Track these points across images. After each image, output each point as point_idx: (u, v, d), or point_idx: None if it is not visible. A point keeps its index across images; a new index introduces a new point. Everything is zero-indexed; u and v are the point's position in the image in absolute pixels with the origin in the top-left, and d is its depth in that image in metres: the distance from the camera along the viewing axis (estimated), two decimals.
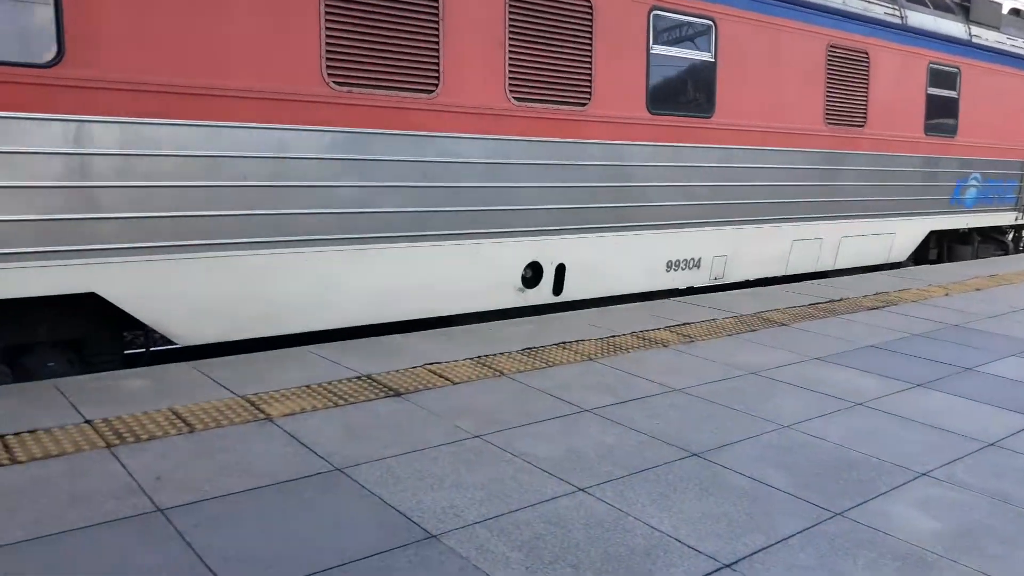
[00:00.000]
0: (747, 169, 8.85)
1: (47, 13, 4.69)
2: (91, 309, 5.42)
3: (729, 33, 8.44)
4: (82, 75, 4.83)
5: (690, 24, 8.11)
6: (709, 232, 8.69)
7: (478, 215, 6.77)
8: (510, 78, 6.74)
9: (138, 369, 5.19)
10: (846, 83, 9.81)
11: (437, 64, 6.31)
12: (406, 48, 6.13)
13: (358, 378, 5.13)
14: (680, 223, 8.37)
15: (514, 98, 6.78)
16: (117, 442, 3.91)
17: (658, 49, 7.84)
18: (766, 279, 10.18)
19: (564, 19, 7.07)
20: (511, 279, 7.16)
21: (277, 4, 5.50)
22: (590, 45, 7.27)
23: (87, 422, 4.17)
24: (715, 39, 8.33)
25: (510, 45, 6.71)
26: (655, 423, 4.51)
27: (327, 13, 5.70)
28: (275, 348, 6.10)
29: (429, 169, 6.39)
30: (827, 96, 9.58)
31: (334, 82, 5.80)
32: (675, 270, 8.50)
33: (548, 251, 7.35)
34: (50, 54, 4.72)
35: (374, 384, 5.00)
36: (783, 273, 9.83)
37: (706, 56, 8.29)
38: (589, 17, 7.24)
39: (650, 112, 7.81)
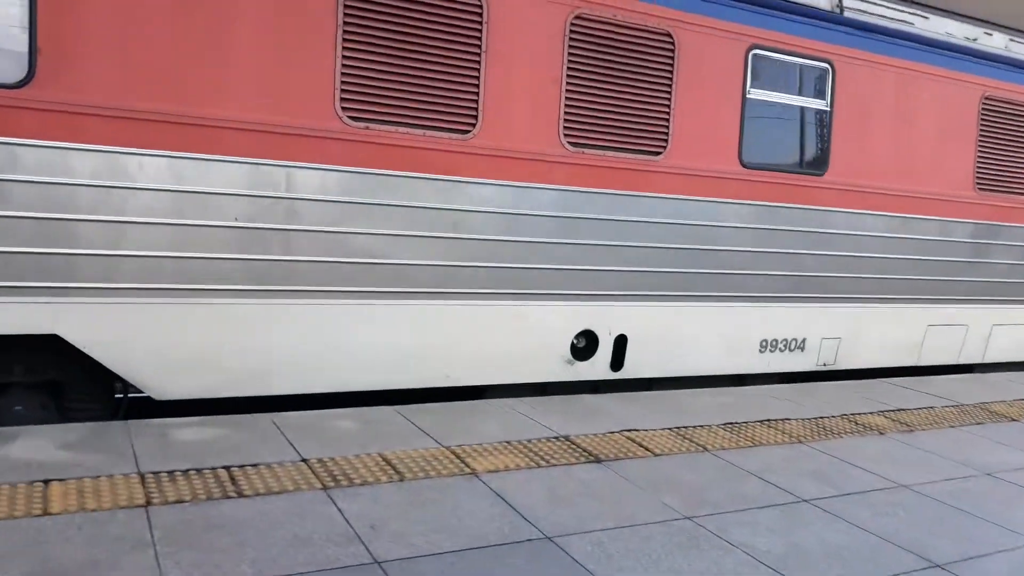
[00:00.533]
0: (868, 238, 7.49)
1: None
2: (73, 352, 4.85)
3: (850, 78, 7.21)
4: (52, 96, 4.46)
5: (800, 67, 7.00)
6: (817, 309, 7.37)
7: (519, 273, 5.92)
8: (565, 121, 5.94)
9: (344, 410, 5.33)
10: (1005, 142, 8.24)
11: (476, 101, 5.62)
12: (435, 80, 5.45)
13: (556, 438, 5.02)
14: (779, 296, 7.13)
15: (569, 143, 5.95)
16: (332, 484, 3.99)
17: (757, 94, 6.77)
18: (889, 369, 8.53)
19: (637, 56, 6.16)
20: (558, 349, 6.22)
21: (292, 34, 5.00)
22: (669, 87, 6.32)
23: (303, 460, 4.30)
24: (832, 85, 7.12)
25: (568, 83, 5.89)
26: (884, 523, 4.10)
27: (345, 44, 5.13)
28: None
29: (459, 219, 5.64)
30: (979, 157, 8.07)
31: (349, 117, 5.20)
32: (771, 351, 7.25)
33: (606, 319, 6.35)
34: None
35: (573, 447, 4.88)
36: (915, 364, 8.24)
37: (819, 104, 7.11)
38: (670, 55, 6.29)
39: (744, 166, 6.73)
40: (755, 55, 6.72)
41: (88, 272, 4.64)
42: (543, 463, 4.55)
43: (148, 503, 3.59)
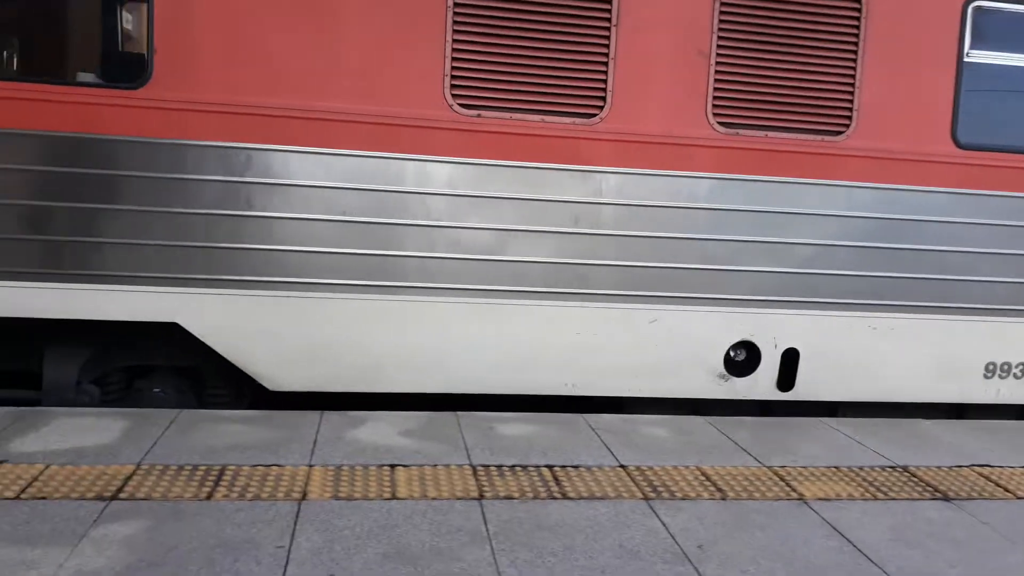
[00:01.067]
0: None
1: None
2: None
3: None
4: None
5: None
6: None
7: (658, 274, 5.28)
8: (715, 98, 5.19)
9: (656, 417, 5.24)
10: None
11: (604, 81, 5.05)
12: (554, 61, 5.01)
13: (892, 468, 4.53)
14: (1015, 310, 5.77)
15: (719, 124, 5.23)
16: (652, 495, 3.91)
17: (980, 56, 5.48)
18: None
19: (809, 16, 5.22)
20: (709, 361, 5.46)
21: (399, 19, 4.85)
22: (854, 52, 5.30)
23: (621, 467, 4.26)
24: None
25: (718, 54, 5.14)
26: None
27: (455, 27, 4.87)
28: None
29: (582, 212, 5.16)
30: None
31: (460, 104, 4.95)
32: (1002, 376, 5.89)
33: (770, 329, 5.48)
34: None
35: (914, 480, 4.37)
36: None
37: None
38: (855, 13, 5.27)
39: (959, 146, 5.51)
40: (977, 9, 5.46)
41: (205, 265, 4.87)
42: (880, 495, 4.12)
43: (481, 496, 3.75)
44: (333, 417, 4.76)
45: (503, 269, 5.15)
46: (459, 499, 3.71)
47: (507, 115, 5.02)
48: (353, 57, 4.83)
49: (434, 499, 3.70)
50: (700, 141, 5.22)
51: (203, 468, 3.89)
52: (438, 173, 5.01)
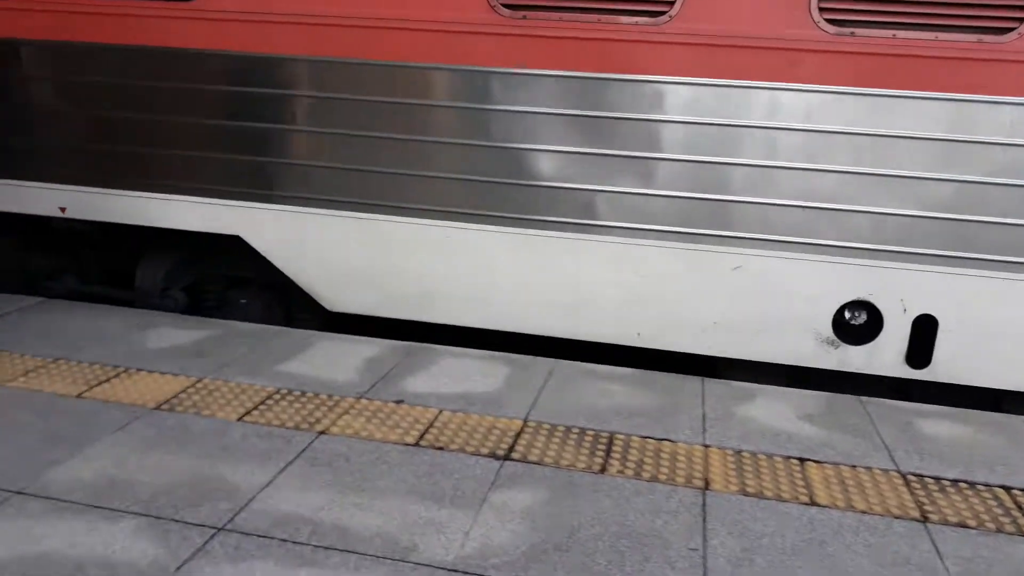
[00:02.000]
0: None
1: None
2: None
3: None
4: None
5: None
6: None
7: (741, 210, 4.31)
8: None
9: (946, 408, 4.09)
10: None
11: None
12: None
13: None
14: None
15: (827, 20, 4.02)
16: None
17: None
18: None
19: None
20: (812, 321, 4.44)
21: None
22: None
23: (899, 473, 3.29)
24: None
25: None
26: None
27: None
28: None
29: (640, 131, 4.28)
30: None
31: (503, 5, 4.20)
32: None
33: (896, 288, 4.32)
34: None
35: None
36: None
37: None
38: None
39: None
40: None
41: (268, 180, 4.76)
42: None
43: (924, 518, 3.04)
44: (716, 387, 4.26)
45: (560, 200, 4.50)
46: (896, 517, 3.04)
47: (551, 15, 4.27)
48: None
49: (863, 512, 3.06)
50: (801, 44, 4.10)
51: (591, 434, 3.60)
52: (483, 82, 4.45)
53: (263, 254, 4.94)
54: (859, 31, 4.05)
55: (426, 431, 3.53)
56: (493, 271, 4.69)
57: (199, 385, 3.91)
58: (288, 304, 5.40)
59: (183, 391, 3.83)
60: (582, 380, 4.25)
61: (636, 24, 4.20)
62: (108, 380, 3.92)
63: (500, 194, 4.54)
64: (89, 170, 5.01)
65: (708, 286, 4.50)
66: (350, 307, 4.96)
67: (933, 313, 4.39)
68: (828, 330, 4.49)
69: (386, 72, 4.48)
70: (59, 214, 5.14)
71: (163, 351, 4.33)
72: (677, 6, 4.15)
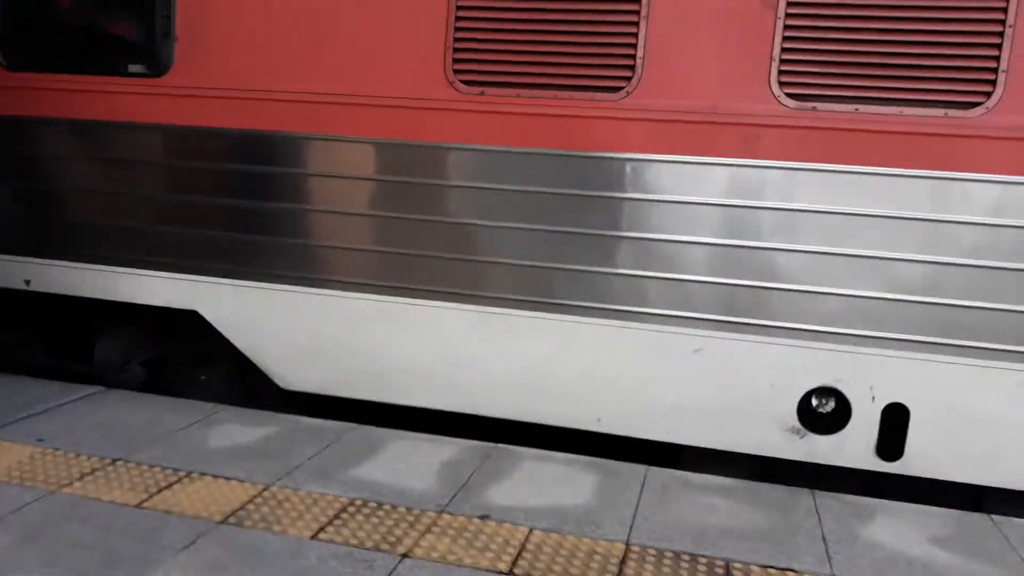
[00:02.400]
0: None
1: None
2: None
3: None
4: None
5: None
6: None
7: (694, 289, 4.13)
8: (782, 63, 3.91)
9: None
10: None
11: (632, 52, 4.06)
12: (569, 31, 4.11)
13: None
14: None
15: (787, 95, 3.93)
16: None
17: None
18: None
19: None
20: (775, 407, 4.15)
21: None
22: None
23: None
24: None
25: (788, 5, 3.88)
26: None
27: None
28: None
29: (610, 209, 4.16)
30: None
31: (462, 81, 4.24)
32: None
33: (863, 374, 4.04)
34: None
35: None
36: None
37: None
38: None
39: None
40: None
41: (223, 255, 4.70)
42: None
43: None
44: (830, 503, 3.85)
45: (518, 276, 4.34)
46: None
47: (511, 92, 4.24)
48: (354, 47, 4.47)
49: None
50: (760, 119, 3.97)
51: (704, 560, 3.21)
52: (459, 160, 4.41)
53: (218, 329, 4.82)
54: (821, 105, 3.90)
55: (518, 556, 3.17)
56: (448, 349, 4.51)
57: (267, 494, 3.59)
58: (248, 381, 5.17)
59: (250, 501, 3.51)
60: (680, 492, 3.86)
61: (593, 100, 4.12)
62: (170, 486, 3.62)
63: (454, 270, 4.41)
64: (50, 243, 5.00)
65: (668, 369, 4.25)
66: (303, 385, 4.80)
67: (903, 401, 4.06)
68: (794, 418, 4.17)
69: (341, 147, 4.45)
70: (24, 287, 5.11)
71: (226, 451, 4.04)
72: (634, 81, 4.06)
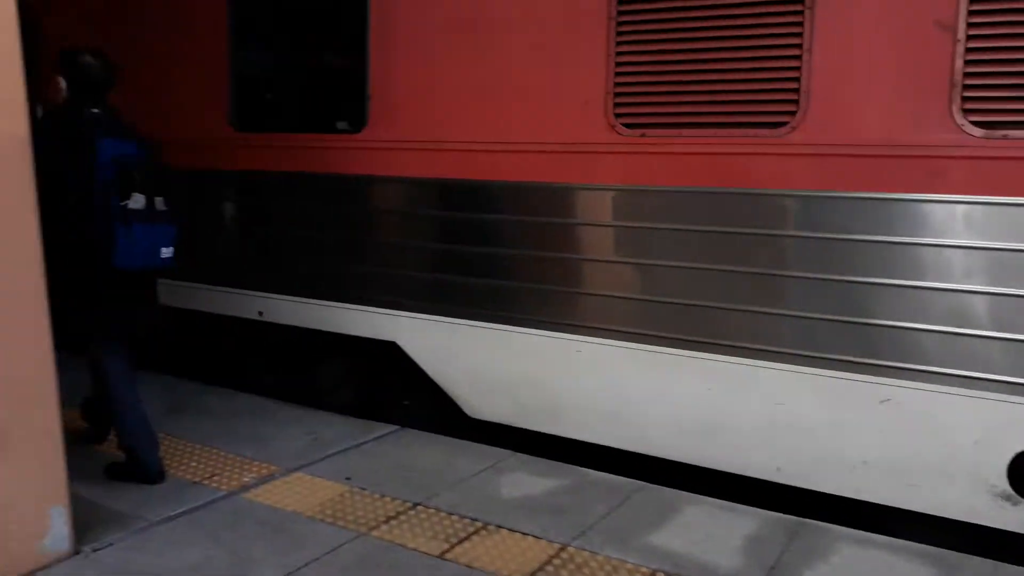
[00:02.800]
0: None
1: None
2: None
3: None
4: None
5: None
6: None
7: (885, 336, 3.62)
8: (966, 88, 3.45)
9: None
10: None
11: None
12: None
13: None
14: None
15: (973, 123, 3.44)
16: None
17: None
18: None
19: None
20: (981, 469, 3.54)
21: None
22: None
23: None
24: None
25: (971, 25, 3.42)
26: None
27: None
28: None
29: (768, 246, 3.88)
30: None
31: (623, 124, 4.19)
32: None
33: None
34: None
35: None
36: None
37: None
38: None
39: None
40: None
41: (419, 292, 4.98)
42: None
43: None
44: None
45: (691, 316, 4.17)
46: None
47: (673, 132, 4.20)
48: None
49: None
50: (944, 151, 3.55)
51: None
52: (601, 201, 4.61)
53: (414, 359, 5.08)
54: (1012, 133, 3.42)
55: None
56: (620, 387, 4.45)
57: (564, 555, 3.46)
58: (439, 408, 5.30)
59: (548, 562, 3.40)
60: None
61: (756, 136, 3.92)
62: (468, 537, 3.60)
63: (627, 309, 4.35)
64: (279, 280, 5.57)
65: (853, 419, 3.87)
66: (489, 415, 4.94)
67: None
68: (1003, 482, 3.59)
69: (519, 191, 4.58)
70: (257, 317, 5.72)
71: (518, 503, 3.98)
72: (799, 116, 3.81)
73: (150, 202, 3.73)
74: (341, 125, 5.29)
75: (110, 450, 4.30)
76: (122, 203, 3.64)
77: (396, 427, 5.05)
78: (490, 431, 5.03)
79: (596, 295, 4.45)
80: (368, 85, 5.01)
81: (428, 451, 4.66)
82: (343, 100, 5.29)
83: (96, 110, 3.83)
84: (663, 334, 4.26)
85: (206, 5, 5.68)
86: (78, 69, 3.88)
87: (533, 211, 4.55)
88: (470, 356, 4.90)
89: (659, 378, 4.32)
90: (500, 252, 4.70)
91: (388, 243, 5.11)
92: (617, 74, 4.22)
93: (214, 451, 4.55)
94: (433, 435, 4.93)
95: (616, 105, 4.24)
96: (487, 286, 4.76)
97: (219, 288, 5.87)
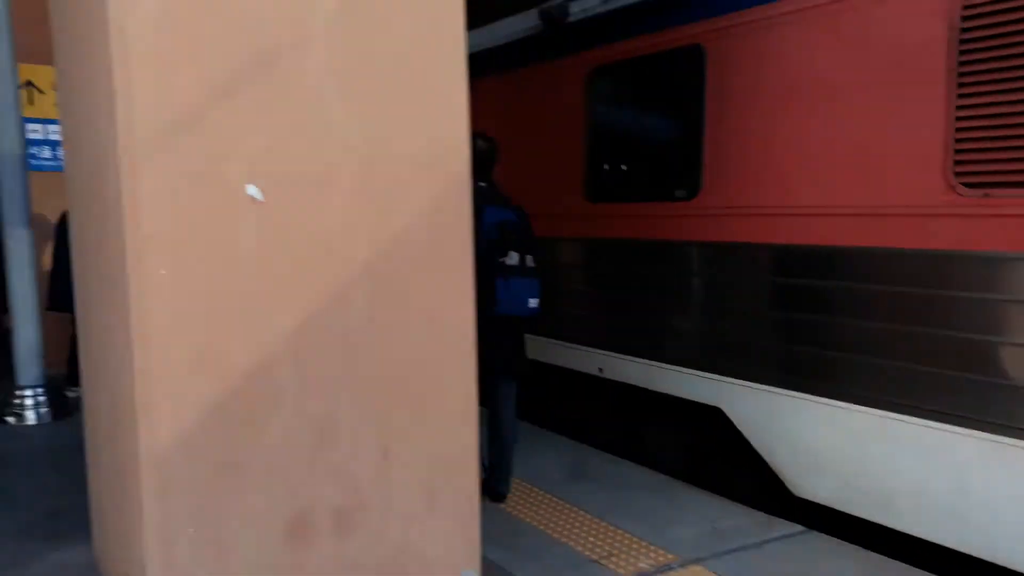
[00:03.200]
0: None
1: None
2: None
3: None
4: None
5: None
6: None
7: None
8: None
9: None
10: None
11: None
12: None
13: None
14: None
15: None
16: None
17: None
18: None
19: None
20: None
21: None
22: None
23: None
24: None
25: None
26: None
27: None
28: None
29: None
30: None
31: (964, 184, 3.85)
32: None
33: None
34: None
35: None
36: None
37: None
38: None
39: None
40: None
41: (746, 358, 4.84)
42: None
43: None
44: None
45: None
46: None
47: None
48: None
49: None
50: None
51: None
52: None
53: (740, 428, 4.94)
54: None
55: None
56: (960, 480, 3.89)
57: None
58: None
59: None
60: None
61: None
62: None
63: (969, 390, 3.79)
64: (617, 340, 5.81)
65: None
66: (812, 495, 4.62)
67: None
68: None
69: (842, 258, 4.35)
70: (598, 374, 6.04)
71: None
72: None
73: (522, 259, 4.35)
74: (678, 193, 5.44)
75: (515, 512, 4.45)
76: (500, 259, 4.26)
77: (802, 528, 4.56)
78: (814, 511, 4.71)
79: (936, 373, 3.93)
80: (703, 153, 5.13)
81: (838, 563, 4.11)
82: (680, 169, 5.44)
83: (483, 183, 4.48)
84: (1012, 424, 3.65)
85: (567, 107, 6.30)
86: (472, 150, 4.28)
87: (890, 280, 4.15)
88: (792, 429, 4.67)
89: (1007, 474, 3.73)
90: (823, 321, 4.46)
91: (716, 308, 5.15)
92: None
93: (610, 528, 4.49)
94: (844, 543, 4.36)
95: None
96: (809, 356, 4.58)
97: (568, 344, 6.35)
